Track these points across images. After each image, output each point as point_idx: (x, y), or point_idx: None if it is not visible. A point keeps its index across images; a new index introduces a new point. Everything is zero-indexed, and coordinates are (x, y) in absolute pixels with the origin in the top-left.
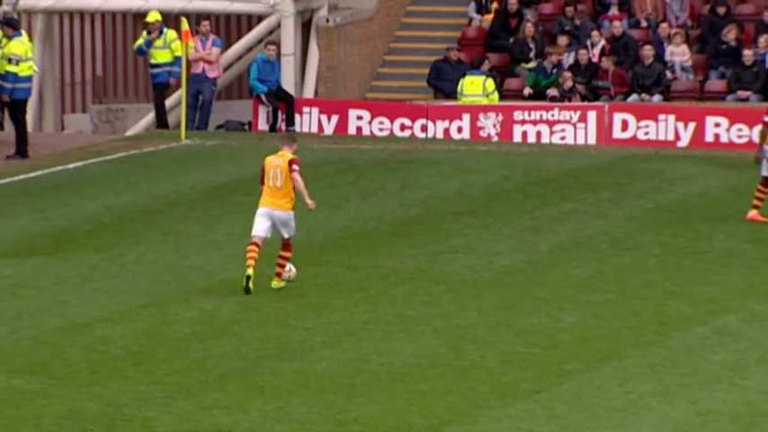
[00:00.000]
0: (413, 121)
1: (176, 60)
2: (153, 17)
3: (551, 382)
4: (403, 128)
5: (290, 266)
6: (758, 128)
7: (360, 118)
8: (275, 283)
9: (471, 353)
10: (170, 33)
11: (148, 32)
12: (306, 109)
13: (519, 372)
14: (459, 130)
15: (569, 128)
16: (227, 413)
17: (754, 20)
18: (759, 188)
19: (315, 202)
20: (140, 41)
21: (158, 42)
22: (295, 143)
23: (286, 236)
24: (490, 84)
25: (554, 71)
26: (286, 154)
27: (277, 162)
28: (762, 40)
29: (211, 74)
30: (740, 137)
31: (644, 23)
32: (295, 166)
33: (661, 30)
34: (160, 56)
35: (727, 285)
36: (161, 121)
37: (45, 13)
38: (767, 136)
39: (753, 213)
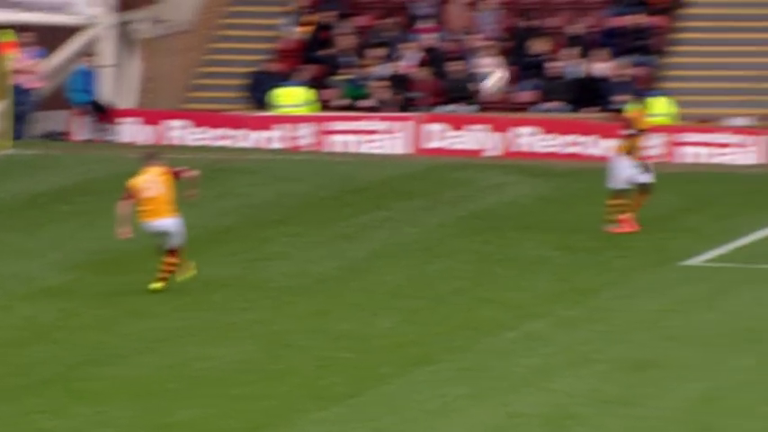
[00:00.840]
0: (230, 131)
1: None
2: None
3: (366, 386)
4: (221, 138)
5: None
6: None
7: (178, 128)
8: (156, 286)
9: (288, 358)
10: None
11: None
12: (124, 119)
13: (334, 376)
14: (276, 139)
15: (383, 138)
16: (48, 418)
17: (562, 33)
18: (616, 202)
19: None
20: None
21: None
22: (160, 159)
23: (173, 243)
24: (307, 94)
25: (368, 82)
26: (156, 169)
27: (148, 177)
28: (568, 52)
29: (32, 84)
30: (550, 146)
31: (456, 36)
32: (177, 168)
33: (472, 42)
34: None
35: (536, 291)
36: None
37: None
38: (626, 147)
39: (624, 225)
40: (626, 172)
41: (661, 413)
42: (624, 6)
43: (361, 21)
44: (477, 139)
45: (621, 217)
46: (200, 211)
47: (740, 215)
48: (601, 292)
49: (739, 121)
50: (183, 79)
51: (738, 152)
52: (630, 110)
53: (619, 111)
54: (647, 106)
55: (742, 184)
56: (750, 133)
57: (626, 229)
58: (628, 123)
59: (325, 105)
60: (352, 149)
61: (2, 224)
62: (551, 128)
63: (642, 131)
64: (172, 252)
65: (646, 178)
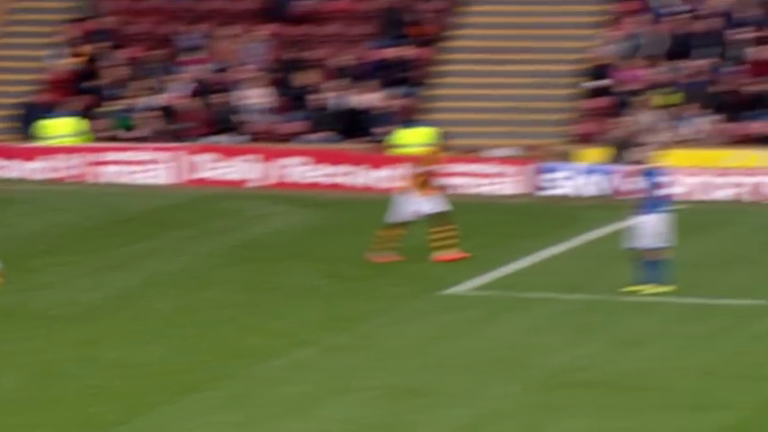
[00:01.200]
0: (2, 162)
1: None
2: None
3: (136, 414)
4: None
5: None
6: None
7: None
8: None
9: (59, 386)
10: None
11: None
12: None
13: (104, 404)
14: (45, 170)
15: (152, 168)
16: None
17: (329, 65)
18: (388, 233)
19: None
20: None
21: None
22: None
23: None
24: (78, 125)
25: (138, 113)
26: None
27: None
28: (335, 83)
29: None
30: (319, 177)
31: (225, 67)
32: None
33: (241, 73)
34: None
35: (304, 319)
36: None
37: None
38: (416, 182)
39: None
40: (411, 206)
41: None
42: (389, 39)
43: (132, 51)
44: (247, 169)
45: (446, 255)
46: None
47: (502, 244)
48: (368, 319)
49: (502, 152)
50: None
51: (501, 182)
52: (405, 140)
53: (382, 141)
54: (435, 139)
55: (504, 214)
56: (512, 163)
57: (392, 258)
58: (419, 159)
59: (96, 136)
60: (123, 180)
61: None
62: (321, 158)
63: (434, 166)
64: None
65: (436, 208)
